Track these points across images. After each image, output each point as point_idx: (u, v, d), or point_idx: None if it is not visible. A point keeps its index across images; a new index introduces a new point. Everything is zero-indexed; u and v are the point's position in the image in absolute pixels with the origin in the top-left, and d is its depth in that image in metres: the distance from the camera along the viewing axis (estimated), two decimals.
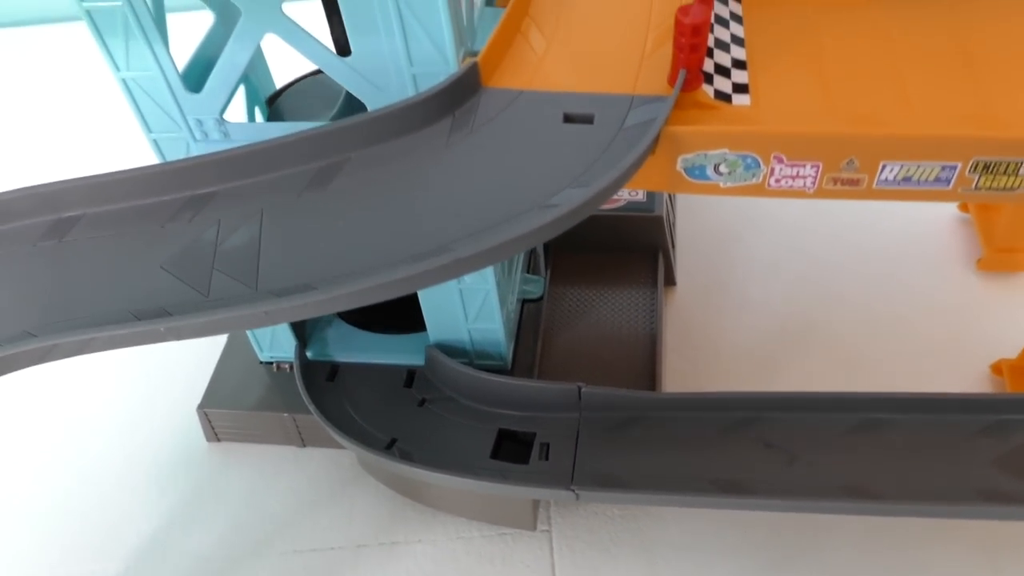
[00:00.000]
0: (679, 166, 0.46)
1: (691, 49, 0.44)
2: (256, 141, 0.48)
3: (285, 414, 0.66)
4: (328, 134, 0.45)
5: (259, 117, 0.65)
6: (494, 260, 0.41)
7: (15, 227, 0.46)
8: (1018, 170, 0.42)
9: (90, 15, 0.47)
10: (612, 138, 0.45)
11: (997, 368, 0.67)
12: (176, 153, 0.54)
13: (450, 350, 0.65)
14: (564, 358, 0.69)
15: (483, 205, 0.43)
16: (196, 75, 0.55)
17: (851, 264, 0.79)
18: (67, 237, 0.46)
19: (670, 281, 0.78)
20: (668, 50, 0.49)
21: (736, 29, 0.51)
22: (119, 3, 0.46)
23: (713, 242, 0.82)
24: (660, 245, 0.76)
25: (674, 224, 0.82)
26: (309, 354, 0.67)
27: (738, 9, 0.53)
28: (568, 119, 0.46)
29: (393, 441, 0.60)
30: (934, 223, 0.81)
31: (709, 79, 0.47)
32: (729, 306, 0.77)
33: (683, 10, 0.43)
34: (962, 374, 0.69)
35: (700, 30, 0.43)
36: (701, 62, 0.45)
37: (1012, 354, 0.68)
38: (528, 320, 0.71)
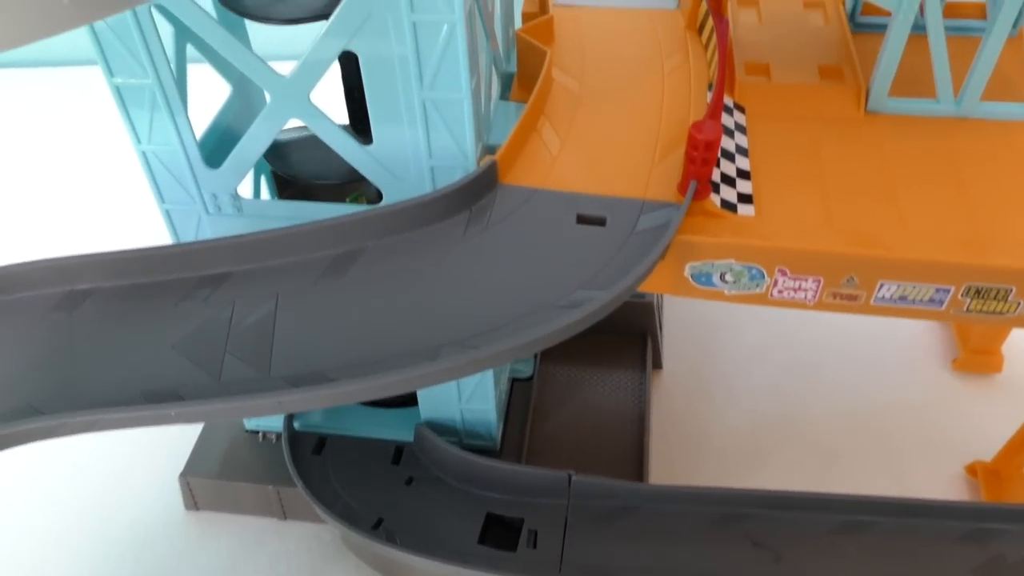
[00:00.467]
0: (686, 272, 0.47)
1: (703, 163, 0.46)
2: (272, 227, 0.49)
3: (269, 486, 0.66)
4: (347, 224, 0.46)
5: (263, 182, 0.66)
6: (509, 359, 0.42)
7: (26, 297, 0.46)
8: (1008, 296, 0.44)
9: (119, 91, 0.48)
10: (624, 241, 0.46)
11: (972, 470, 0.69)
12: (188, 224, 0.55)
13: (440, 428, 0.65)
14: (553, 440, 0.69)
15: (497, 302, 0.44)
16: (211, 144, 0.56)
17: (833, 356, 0.81)
18: (78, 310, 0.46)
19: (657, 364, 0.80)
20: (678, 156, 0.51)
21: (740, 139, 0.54)
22: (148, 80, 0.47)
23: (700, 328, 0.84)
24: (649, 330, 0.77)
25: (662, 308, 0.84)
26: (296, 425, 0.67)
27: (742, 120, 0.55)
28: (581, 220, 0.47)
29: (379, 521, 0.60)
30: (914, 322, 0.83)
31: (716, 188, 0.49)
32: (714, 393, 0.78)
33: (697, 126, 0.45)
34: (938, 474, 0.71)
35: (712, 146, 0.45)
36: (711, 174, 0.47)
37: (986, 455, 0.70)
38: (518, 399, 0.72)
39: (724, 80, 0.52)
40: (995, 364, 0.77)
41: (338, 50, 0.45)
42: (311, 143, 0.54)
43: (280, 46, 0.71)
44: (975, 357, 0.77)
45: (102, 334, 0.45)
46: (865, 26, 0.62)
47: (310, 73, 0.46)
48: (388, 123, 0.48)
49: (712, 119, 0.47)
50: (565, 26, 0.60)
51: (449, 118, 0.47)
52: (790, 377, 0.79)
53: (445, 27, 0.43)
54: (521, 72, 0.58)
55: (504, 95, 0.60)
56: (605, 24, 0.61)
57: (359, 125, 0.56)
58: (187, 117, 0.49)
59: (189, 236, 0.55)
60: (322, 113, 0.48)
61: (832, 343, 0.82)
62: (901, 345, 0.82)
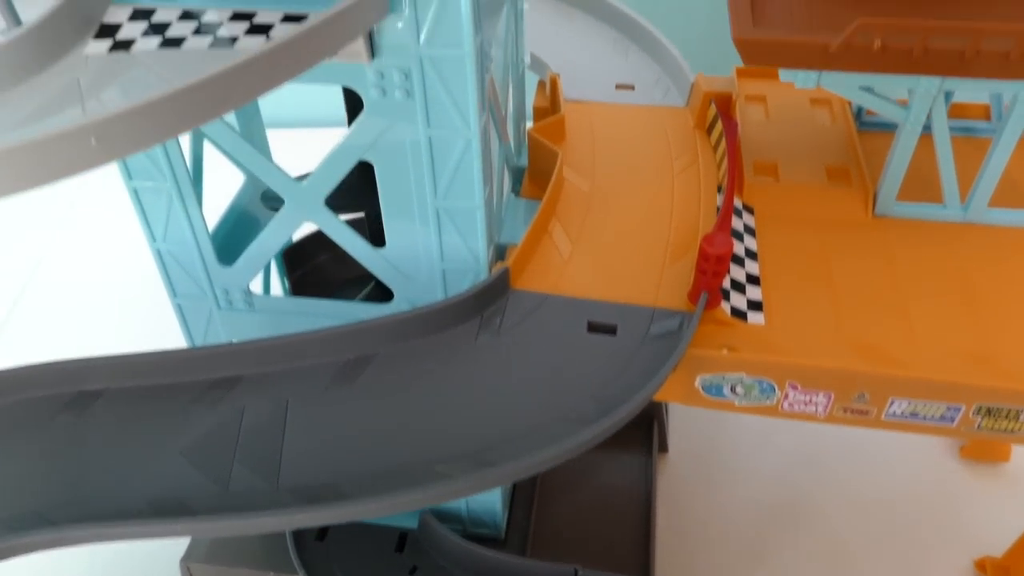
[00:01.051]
0: (697, 383, 0.47)
1: (713, 275, 0.46)
2: (283, 322, 0.49)
3: (271, 573, 0.65)
4: (358, 330, 0.46)
5: (274, 268, 0.67)
6: (522, 476, 0.41)
7: (37, 397, 0.46)
8: (1019, 416, 0.44)
9: (136, 193, 0.48)
10: (634, 351, 0.46)
11: (981, 565, 0.68)
12: (199, 318, 0.55)
13: (445, 515, 0.64)
14: (559, 528, 0.69)
15: (509, 413, 0.44)
16: (224, 232, 0.56)
17: (838, 442, 0.81)
18: (87, 412, 0.46)
19: (663, 447, 0.79)
20: (687, 262, 0.51)
21: (750, 243, 0.54)
22: (166, 183, 0.48)
23: (705, 410, 0.83)
24: (655, 414, 0.77)
25: None
26: None
27: (751, 221, 0.56)
28: (592, 328, 0.48)
29: None
30: None
31: (726, 295, 0.49)
32: (720, 477, 0.78)
33: (708, 240, 0.45)
34: (947, 567, 0.70)
35: (723, 260, 0.45)
36: (721, 285, 0.47)
37: (995, 547, 0.69)
38: (523, 482, 0.71)
39: (733, 187, 0.53)
40: (1003, 453, 0.77)
41: (355, 160, 0.46)
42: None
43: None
44: (983, 446, 0.77)
45: (111, 437, 0.45)
46: (871, 124, 0.63)
47: (325, 180, 0.47)
48: (401, 227, 0.49)
49: (722, 232, 0.48)
50: (576, 122, 0.61)
51: (462, 225, 0.48)
52: (796, 463, 0.79)
53: (461, 142, 0.44)
54: (532, 167, 0.59)
55: (515, 188, 0.60)
56: (615, 121, 0.62)
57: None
58: (202, 217, 0.50)
59: (200, 330, 0.55)
60: (336, 218, 0.49)
61: (837, 429, 0.81)
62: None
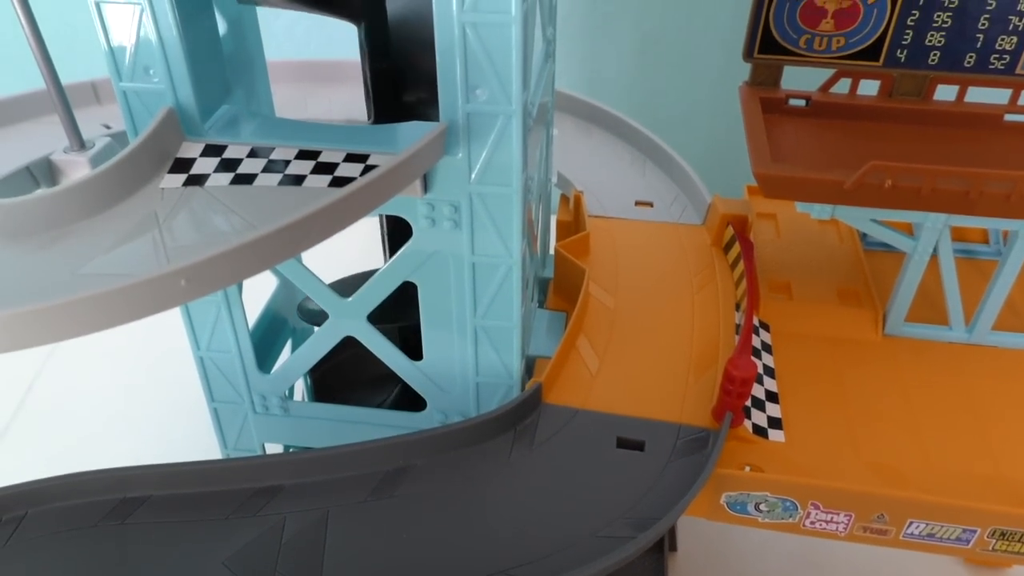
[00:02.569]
0: (722, 500, 0.49)
1: (738, 396, 0.48)
2: (316, 428, 0.51)
3: None
4: (396, 444, 0.48)
5: None
6: None
7: (79, 504, 0.47)
8: None
9: (187, 307, 0.51)
10: (663, 468, 0.48)
11: None
12: (234, 422, 0.56)
13: None
14: None
15: (542, 528, 0.45)
16: (259, 334, 0.58)
17: (844, 545, 0.81)
18: (130, 519, 0.47)
19: (672, 547, 0.80)
20: (709, 378, 0.54)
21: (767, 359, 0.56)
22: (217, 295, 0.50)
23: None
24: None
25: None
26: None
27: (768, 338, 0.58)
28: (621, 444, 0.49)
29: None
30: None
31: (747, 412, 0.51)
32: None
33: (733, 363, 0.48)
34: None
35: (747, 383, 0.48)
36: (745, 404, 0.50)
37: None
38: None
39: (753, 309, 0.55)
40: (1004, 559, 0.78)
41: (400, 281, 0.48)
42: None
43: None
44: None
45: (154, 545, 0.46)
46: (876, 244, 0.67)
47: (369, 299, 0.49)
48: (440, 343, 0.51)
49: (746, 354, 0.50)
50: (599, 237, 0.64)
51: (498, 342, 0.50)
52: (802, 566, 0.80)
53: (503, 268, 0.47)
54: (558, 280, 0.62)
55: (540, 299, 0.63)
56: (636, 237, 0.65)
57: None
58: (247, 327, 0.52)
59: (234, 433, 0.57)
60: (377, 333, 0.51)
61: None
62: None
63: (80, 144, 0.51)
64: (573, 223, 0.66)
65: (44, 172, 0.51)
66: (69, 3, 0.80)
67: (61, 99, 0.49)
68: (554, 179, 0.63)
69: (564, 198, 0.68)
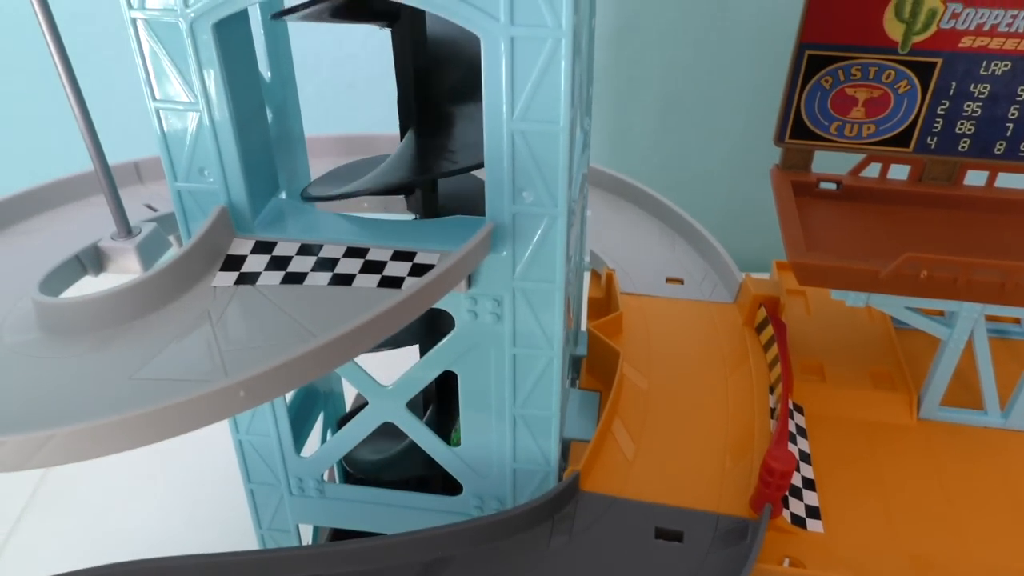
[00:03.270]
0: None
1: (777, 488, 0.48)
2: (352, 511, 0.50)
3: None
4: (436, 535, 0.48)
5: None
6: None
7: None
8: None
9: None
10: (701, 560, 0.48)
11: None
12: (269, 503, 0.56)
13: None
14: None
15: None
16: (293, 412, 0.58)
17: None
18: None
19: None
20: (746, 465, 0.54)
21: (803, 444, 0.56)
22: None
23: None
24: None
25: None
26: None
27: (802, 422, 0.58)
28: (660, 535, 0.49)
29: None
30: None
31: (785, 501, 0.51)
32: None
33: (773, 456, 0.48)
34: None
35: (788, 475, 0.48)
36: (783, 494, 0.49)
37: None
38: None
39: (788, 396, 0.56)
40: None
41: (440, 370, 0.49)
42: None
43: None
44: None
45: None
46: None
47: (409, 387, 0.50)
48: (478, 430, 0.51)
49: (783, 445, 0.50)
50: (631, 316, 0.65)
51: (537, 430, 0.50)
52: None
53: (544, 360, 0.47)
54: (591, 359, 0.62)
55: (572, 375, 0.63)
56: (668, 316, 0.65)
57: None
58: (287, 412, 0.53)
59: (269, 513, 0.57)
60: (416, 419, 0.51)
61: None
62: None
63: (127, 231, 0.53)
64: (605, 300, 0.66)
65: (92, 259, 0.52)
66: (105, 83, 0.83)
67: (110, 188, 0.51)
68: (587, 258, 0.64)
69: (595, 274, 0.69)
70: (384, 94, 1.07)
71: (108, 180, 0.50)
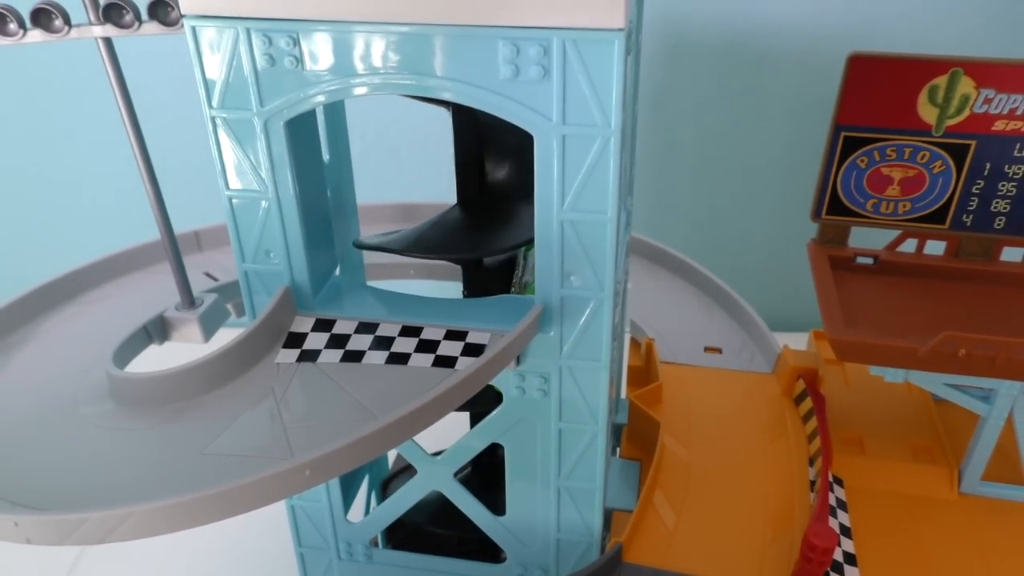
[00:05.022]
0: None
1: (819, 564, 0.49)
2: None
3: None
4: None
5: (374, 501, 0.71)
6: None
7: None
8: None
9: None
10: None
11: None
12: (319, 567, 0.58)
13: None
14: None
15: None
16: (345, 476, 0.60)
17: None
18: None
19: None
20: (786, 539, 0.54)
21: (843, 518, 0.57)
22: None
23: None
24: None
25: None
26: None
27: (842, 494, 0.59)
28: None
29: None
30: None
31: None
32: None
33: (815, 532, 0.48)
34: None
35: (829, 552, 0.48)
36: (825, 571, 0.50)
37: None
38: None
39: (828, 470, 0.56)
40: None
41: (488, 442, 0.51)
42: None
43: None
44: None
45: None
46: None
47: (457, 457, 0.52)
48: (523, 500, 0.52)
49: (825, 521, 0.51)
50: (670, 385, 0.66)
51: (580, 502, 0.52)
52: None
53: (588, 435, 0.49)
54: (631, 428, 0.63)
55: (613, 442, 0.64)
56: (708, 386, 0.66)
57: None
58: (338, 479, 0.54)
59: None
60: (464, 489, 0.53)
61: None
62: None
63: (191, 302, 0.56)
64: (644, 369, 0.68)
65: (158, 329, 0.55)
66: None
67: (177, 262, 0.54)
68: (627, 328, 0.66)
69: (635, 342, 0.71)
70: (425, 160, 1.11)
71: (175, 255, 0.53)
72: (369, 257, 0.65)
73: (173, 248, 0.53)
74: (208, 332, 0.57)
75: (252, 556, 0.85)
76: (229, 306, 0.59)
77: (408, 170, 1.11)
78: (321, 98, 0.41)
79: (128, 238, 0.63)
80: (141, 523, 0.34)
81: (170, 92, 0.87)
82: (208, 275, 0.64)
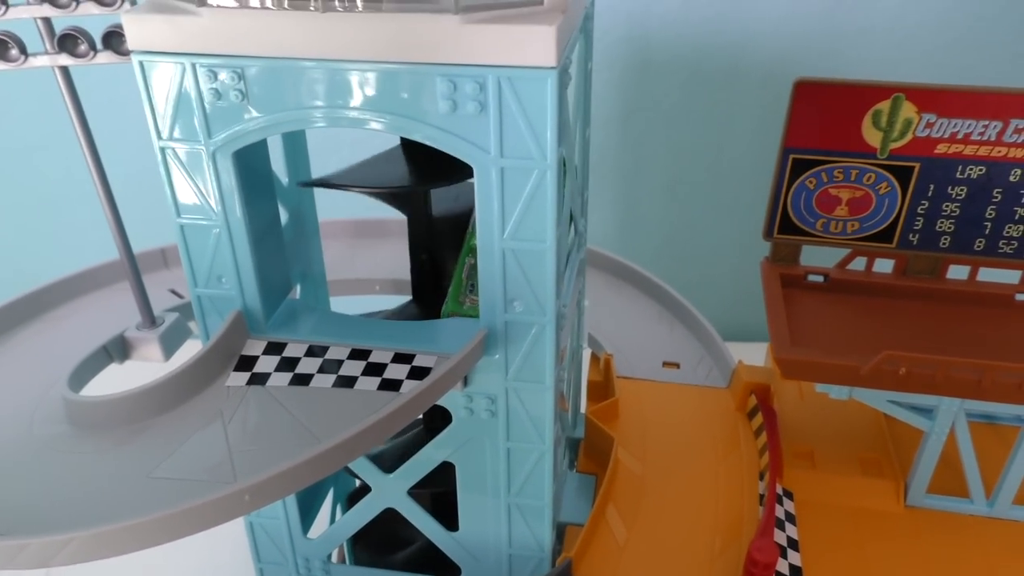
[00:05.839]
0: None
1: None
2: None
3: None
4: None
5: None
6: None
7: None
8: None
9: None
10: None
11: None
12: None
13: None
14: None
15: None
16: (302, 495, 0.61)
17: None
18: None
19: None
20: (734, 553, 0.56)
21: (791, 531, 0.58)
22: None
23: None
24: None
25: None
26: None
27: (791, 507, 0.60)
28: None
29: None
30: None
31: None
32: None
33: (756, 547, 0.50)
34: None
35: (771, 567, 0.50)
36: None
37: None
38: None
39: (776, 481, 0.58)
40: None
41: (439, 461, 0.52)
42: None
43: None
44: None
45: None
46: None
47: (411, 474, 0.53)
48: (474, 516, 0.54)
49: (768, 536, 0.52)
50: (627, 400, 0.67)
51: (531, 519, 0.53)
52: None
53: (535, 454, 0.50)
54: (588, 443, 0.65)
55: (570, 456, 0.66)
56: (664, 401, 0.68)
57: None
58: (295, 495, 0.55)
59: None
60: (417, 506, 0.54)
61: None
62: None
63: (151, 321, 0.57)
64: (603, 384, 0.69)
65: (118, 348, 0.56)
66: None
67: (136, 281, 0.55)
68: (584, 343, 0.67)
69: (595, 357, 0.72)
70: None
71: (135, 274, 0.54)
72: (333, 273, 0.66)
73: (132, 267, 0.54)
74: (169, 351, 0.58)
75: (224, 570, 0.86)
76: (191, 324, 0.60)
77: None
78: (267, 131, 0.42)
79: (99, 256, 0.64)
80: (82, 548, 0.35)
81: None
82: (174, 292, 0.65)
